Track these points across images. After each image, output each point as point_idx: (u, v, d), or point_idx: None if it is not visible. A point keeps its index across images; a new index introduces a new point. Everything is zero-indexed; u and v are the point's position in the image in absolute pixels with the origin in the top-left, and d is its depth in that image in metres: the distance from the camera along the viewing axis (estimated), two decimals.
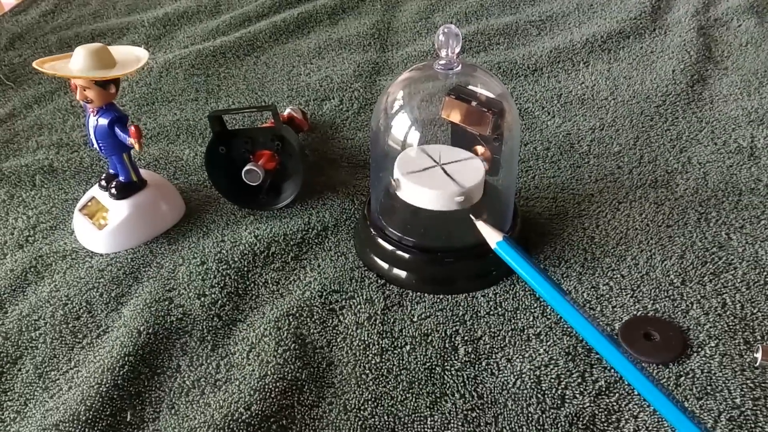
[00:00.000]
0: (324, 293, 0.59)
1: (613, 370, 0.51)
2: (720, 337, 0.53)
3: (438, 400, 0.50)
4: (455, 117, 0.60)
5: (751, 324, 0.54)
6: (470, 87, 0.60)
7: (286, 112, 0.81)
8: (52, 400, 0.51)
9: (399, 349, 0.54)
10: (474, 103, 0.59)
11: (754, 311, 0.55)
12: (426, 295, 0.59)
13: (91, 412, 0.49)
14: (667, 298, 0.57)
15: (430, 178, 0.58)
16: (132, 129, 0.59)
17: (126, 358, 0.53)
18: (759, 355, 0.51)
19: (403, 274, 0.61)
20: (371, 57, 1.01)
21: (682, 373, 0.51)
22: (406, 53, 1.02)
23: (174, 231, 0.68)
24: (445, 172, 0.59)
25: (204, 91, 0.94)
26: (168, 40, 1.10)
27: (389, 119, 0.60)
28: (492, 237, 0.39)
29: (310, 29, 1.11)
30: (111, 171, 0.66)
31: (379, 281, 0.61)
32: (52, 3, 1.21)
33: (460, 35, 0.55)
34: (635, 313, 0.56)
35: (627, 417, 0.48)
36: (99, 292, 0.60)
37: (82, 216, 0.66)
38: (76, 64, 0.58)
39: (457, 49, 0.55)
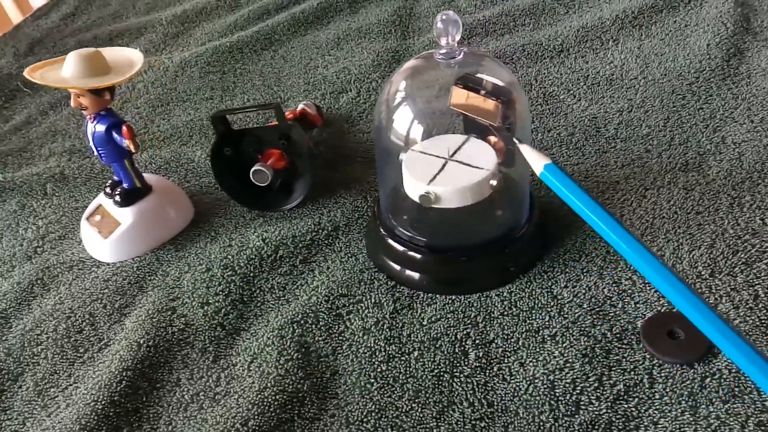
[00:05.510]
0: (331, 298, 0.57)
1: (631, 372, 0.47)
2: (751, 333, 0.49)
3: (445, 409, 0.47)
4: (463, 107, 0.57)
5: None
6: (479, 75, 0.57)
7: (299, 107, 0.79)
8: (49, 419, 0.50)
9: (406, 356, 0.51)
10: (482, 92, 0.55)
11: None
12: (438, 296, 0.56)
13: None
14: None
15: (455, 175, 0.55)
16: (124, 129, 0.57)
17: (124, 373, 0.51)
18: None
19: (416, 275, 0.58)
20: (391, 45, 0.98)
21: (708, 373, 0.47)
22: (427, 39, 0.98)
23: (182, 236, 0.66)
24: (462, 162, 0.55)
25: (219, 89, 0.92)
26: (186, 38, 1.08)
27: (391, 112, 0.57)
28: (538, 161, 0.36)
29: (330, 19, 1.08)
30: (116, 177, 0.65)
31: (389, 283, 0.58)
32: (73, 5, 1.20)
33: (459, 22, 0.51)
34: (659, 309, 0.52)
35: (647, 423, 0.45)
36: (103, 303, 0.59)
37: (89, 224, 0.65)
38: (67, 71, 0.57)
39: (458, 37, 0.52)
